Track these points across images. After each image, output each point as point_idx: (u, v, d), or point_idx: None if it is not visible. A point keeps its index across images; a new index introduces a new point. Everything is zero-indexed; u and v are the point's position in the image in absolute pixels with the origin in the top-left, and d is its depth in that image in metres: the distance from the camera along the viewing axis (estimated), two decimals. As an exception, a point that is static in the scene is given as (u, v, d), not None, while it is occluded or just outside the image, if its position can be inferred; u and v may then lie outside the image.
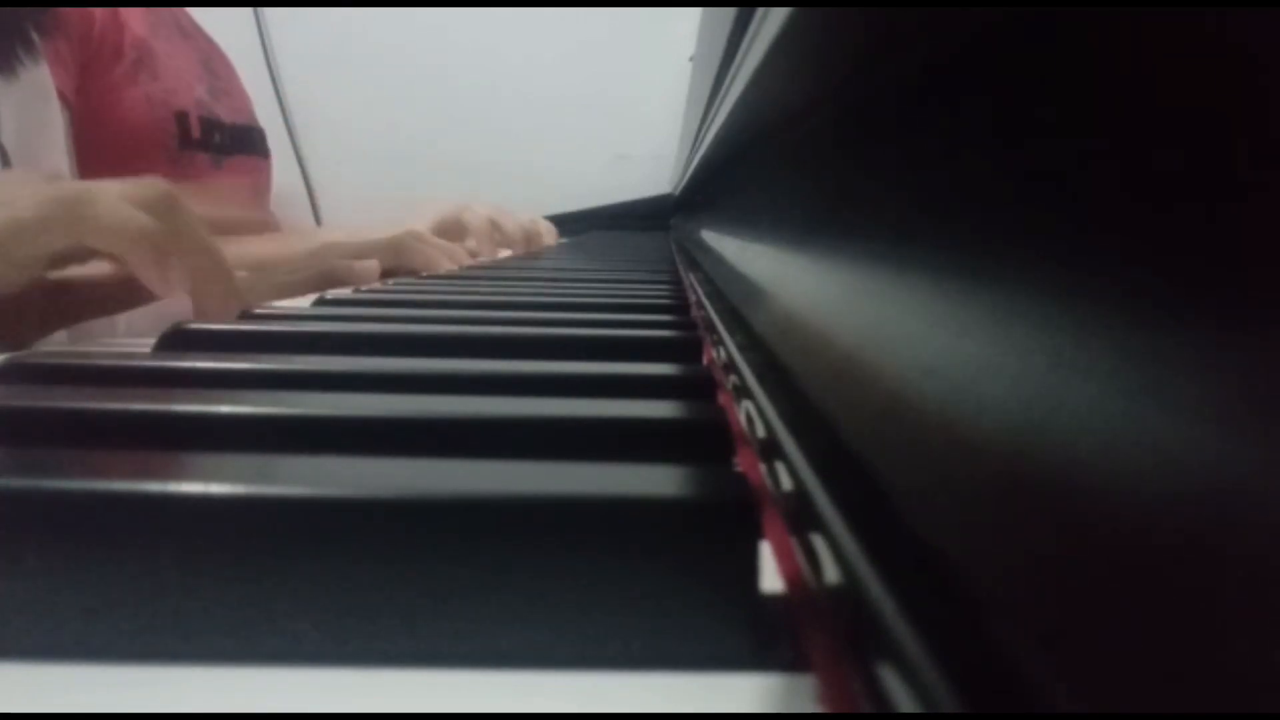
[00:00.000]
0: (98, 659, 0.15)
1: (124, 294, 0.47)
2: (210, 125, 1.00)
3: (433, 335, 0.38)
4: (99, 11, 0.91)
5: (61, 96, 0.81)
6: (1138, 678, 0.08)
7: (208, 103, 1.00)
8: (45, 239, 0.42)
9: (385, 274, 0.77)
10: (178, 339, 0.36)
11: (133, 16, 0.93)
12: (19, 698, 0.14)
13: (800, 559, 0.17)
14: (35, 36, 0.76)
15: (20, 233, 0.41)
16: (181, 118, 0.95)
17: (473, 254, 1.10)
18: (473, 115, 2.22)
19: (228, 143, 1.03)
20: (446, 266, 0.88)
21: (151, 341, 0.36)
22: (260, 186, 1.22)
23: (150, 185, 0.46)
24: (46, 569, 0.15)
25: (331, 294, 0.58)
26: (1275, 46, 0.09)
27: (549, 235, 1.46)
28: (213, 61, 1.08)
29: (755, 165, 0.60)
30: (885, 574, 0.12)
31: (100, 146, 0.85)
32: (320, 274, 0.70)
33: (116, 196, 0.44)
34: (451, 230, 1.13)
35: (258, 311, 0.46)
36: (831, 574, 0.14)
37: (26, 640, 0.15)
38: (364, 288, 0.66)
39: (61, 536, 0.15)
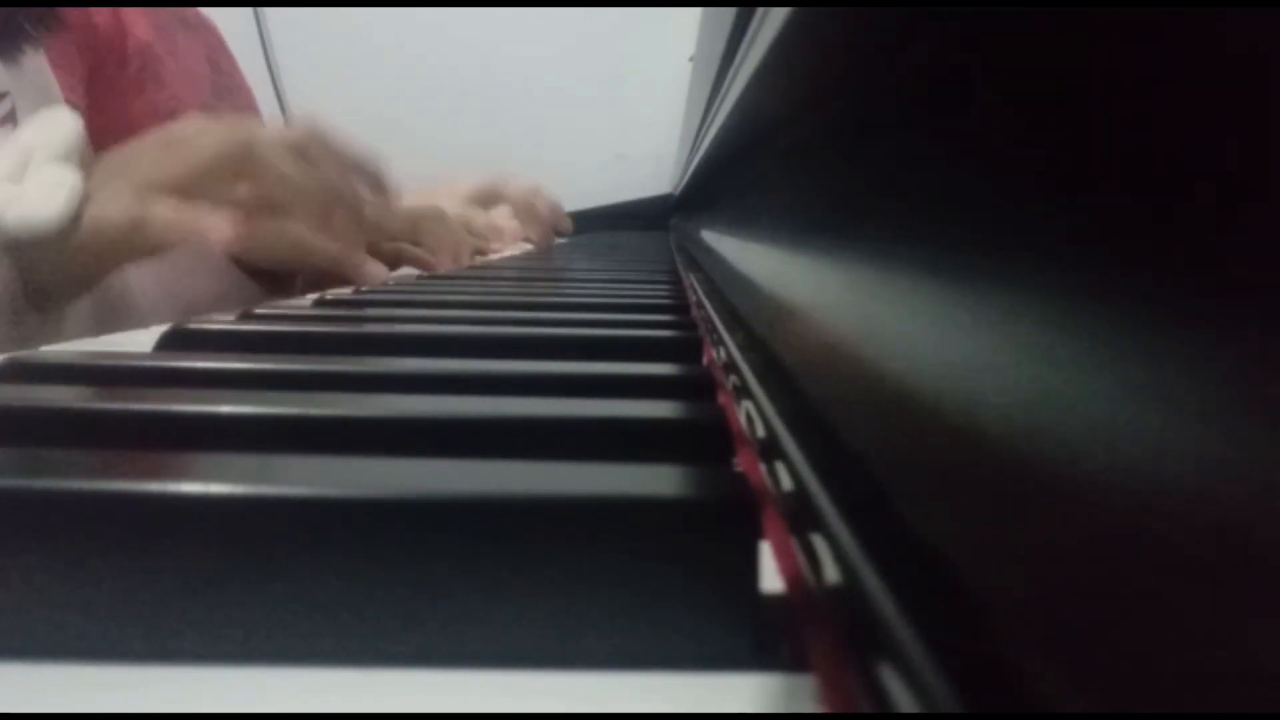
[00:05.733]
0: (98, 659, 0.15)
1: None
2: None
3: (432, 335, 0.38)
4: (100, 17, 0.90)
5: (70, 105, 0.81)
6: (1138, 677, 0.08)
7: (213, 105, 0.99)
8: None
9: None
10: (178, 339, 0.36)
11: (136, 19, 0.92)
12: (19, 698, 0.14)
13: (800, 559, 0.17)
14: (29, 27, 0.75)
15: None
16: None
17: (499, 236, 1.11)
18: (472, 115, 2.22)
19: None
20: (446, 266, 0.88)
21: (152, 340, 0.36)
22: None
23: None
24: (47, 569, 0.15)
25: (331, 294, 0.58)
26: (1275, 46, 0.09)
27: (565, 222, 1.48)
28: (217, 55, 1.06)
29: (755, 165, 0.60)
30: (885, 574, 0.12)
31: None
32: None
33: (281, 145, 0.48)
34: (488, 200, 1.15)
35: (258, 311, 0.46)
36: (831, 574, 0.14)
37: (27, 640, 0.15)
38: (364, 288, 0.66)
39: (62, 536, 0.15)
